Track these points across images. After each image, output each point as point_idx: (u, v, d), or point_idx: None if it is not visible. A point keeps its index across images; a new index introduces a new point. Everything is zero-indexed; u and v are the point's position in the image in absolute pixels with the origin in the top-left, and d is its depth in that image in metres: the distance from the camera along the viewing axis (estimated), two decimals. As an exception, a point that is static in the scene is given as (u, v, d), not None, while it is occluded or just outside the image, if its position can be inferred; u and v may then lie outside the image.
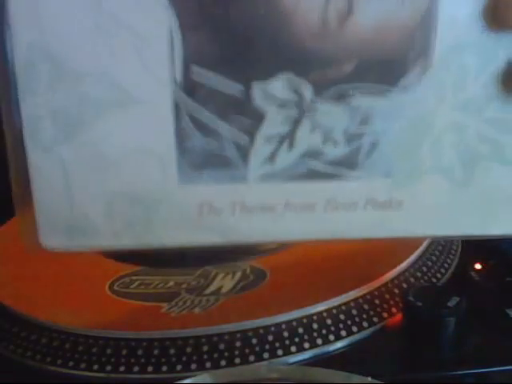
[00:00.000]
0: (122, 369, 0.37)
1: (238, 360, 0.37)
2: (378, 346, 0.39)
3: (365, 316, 0.40)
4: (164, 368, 0.37)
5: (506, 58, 0.27)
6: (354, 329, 0.39)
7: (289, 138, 0.28)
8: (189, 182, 0.28)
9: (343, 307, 0.41)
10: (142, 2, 0.26)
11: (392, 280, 0.43)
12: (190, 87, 0.27)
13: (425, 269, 0.45)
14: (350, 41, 0.26)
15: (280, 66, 0.26)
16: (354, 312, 0.40)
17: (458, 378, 0.37)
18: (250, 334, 0.39)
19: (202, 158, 0.28)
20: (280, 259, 0.45)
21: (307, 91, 0.27)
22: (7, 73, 0.26)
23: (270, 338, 0.38)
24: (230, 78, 0.26)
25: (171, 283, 0.44)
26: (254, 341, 0.38)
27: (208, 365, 0.37)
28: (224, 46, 0.26)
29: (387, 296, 0.42)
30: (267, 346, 0.38)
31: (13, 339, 0.40)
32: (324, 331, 0.39)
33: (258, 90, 0.27)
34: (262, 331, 0.39)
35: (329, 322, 0.40)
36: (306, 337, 0.38)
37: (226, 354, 0.37)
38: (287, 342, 0.38)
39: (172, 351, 0.38)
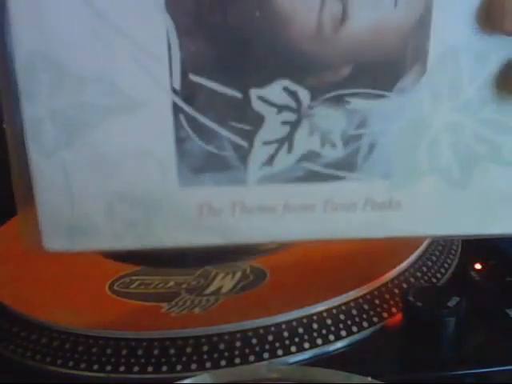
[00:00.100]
0: (121, 369, 0.37)
1: (237, 360, 0.37)
2: (378, 346, 0.39)
3: (365, 316, 0.40)
4: (164, 368, 0.37)
5: (500, 61, 0.27)
6: (354, 329, 0.39)
7: (287, 141, 0.28)
8: (189, 185, 0.28)
9: (343, 307, 0.41)
10: (139, 8, 0.26)
11: (392, 280, 0.43)
12: (188, 92, 0.27)
13: (425, 269, 0.45)
14: (345, 45, 0.26)
15: (277, 71, 0.27)
16: (354, 312, 0.40)
17: (458, 378, 0.37)
18: (249, 333, 0.39)
19: (202, 162, 0.28)
20: (280, 259, 0.45)
21: (304, 96, 0.27)
22: (9, 75, 0.27)
23: (270, 338, 0.38)
24: (227, 83, 0.27)
25: (171, 283, 0.44)
26: (254, 341, 0.38)
27: (208, 365, 0.37)
28: (221, 51, 0.26)
29: (387, 296, 0.42)
30: (267, 346, 0.38)
31: (13, 339, 0.40)
32: (324, 331, 0.39)
33: (255, 96, 0.27)
34: (261, 331, 0.39)
35: (329, 321, 0.40)
36: (306, 337, 0.38)
37: (226, 354, 0.37)
38: (287, 342, 0.38)
39: (172, 351, 0.38)
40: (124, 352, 0.38)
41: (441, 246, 0.48)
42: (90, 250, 0.30)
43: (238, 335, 0.38)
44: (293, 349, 0.38)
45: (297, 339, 0.38)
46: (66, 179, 0.28)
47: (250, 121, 0.27)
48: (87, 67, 0.27)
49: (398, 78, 0.27)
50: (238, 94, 0.27)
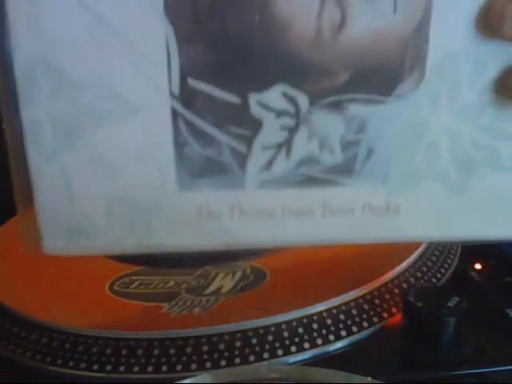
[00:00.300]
0: (121, 369, 0.37)
1: (237, 360, 0.37)
2: (378, 345, 0.39)
3: (365, 316, 0.40)
4: (164, 368, 0.37)
5: (499, 67, 0.27)
6: (354, 329, 0.39)
7: (286, 146, 0.28)
8: (188, 189, 0.28)
9: (343, 307, 0.41)
10: (139, 13, 0.26)
11: (392, 280, 0.43)
12: (187, 97, 0.27)
13: (425, 269, 0.45)
14: (344, 51, 0.26)
15: (276, 76, 0.27)
16: (354, 312, 0.40)
17: (458, 378, 0.37)
18: (249, 333, 0.39)
19: (201, 166, 0.28)
20: (280, 259, 0.45)
21: (303, 101, 0.27)
22: (8, 79, 0.27)
23: (270, 338, 0.38)
24: (226, 88, 0.27)
25: (171, 283, 0.44)
26: (254, 341, 0.38)
27: (208, 365, 0.37)
28: (220, 56, 0.26)
29: (387, 296, 0.42)
30: (267, 346, 0.38)
31: (13, 339, 0.40)
32: (324, 331, 0.39)
33: (254, 101, 0.27)
34: (261, 331, 0.39)
35: (329, 322, 0.40)
36: (306, 337, 0.38)
37: (226, 354, 0.37)
38: (287, 342, 0.38)
39: (172, 351, 0.38)
40: (124, 352, 0.38)
41: (441, 246, 0.48)
42: (89, 254, 0.30)
43: (238, 335, 0.38)
44: (293, 349, 0.38)
45: (297, 339, 0.38)
46: (65, 182, 0.28)
47: (248, 126, 0.28)
48: (86, 72, 0.27)
49: (396, 84, 0.27)
50: (237, 99, 0.27)
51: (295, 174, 0.28)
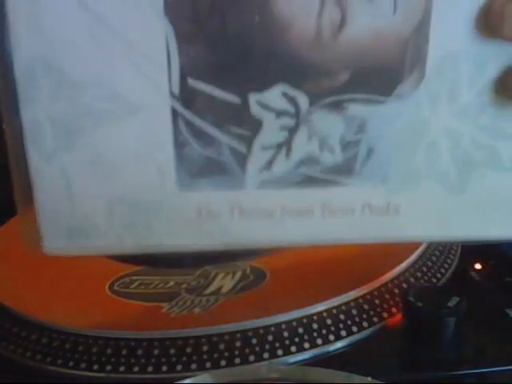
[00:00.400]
0: (121, 369, 0.37)
1: (237, 360, 0.37)
2: (377, 345, 0.39)
3: (365, 316, 0.40)
4: (164, 368, 0.37)
5: (499, 67, 0.27)
6: (354, 329, 0.39)
7: (286, 146, 0.28)
8: (187, 189, 0.28)
9: (343, 307, 0.41)
10: (139, 13, 0.26)
11: (392, 280, 0.43)
12: (187, 95, 0.27)
13: (425, 269, 0.45)
14: (344, 51, 0.26)
15: (276, 76, 0.27)
16: (354, 312, 0.40)
17: (458, 378, 0.37)
18: (249, 333, 0.39)
19: (201, 166, 0.28)
20: (280, 259, 0.45)
21: (303, 101, 0.27)
22: (8, 79, 0.27)
23: (270, 338, 0.38)
24: (226, 88, 0.27)
25: (171, 283, 0.44)
26: (254, 341, 0.38)
27: (208, 365, 0.37)
28: (220, 56, 0.26)
29: (387, 296, 0.42)
30: (267, 346, 0.38)
31: (13, 339, 0.40)
32: (324, 331, 0.39)
33: (254, 98, 0.27)
34: (261, 331, 0.39)
35: (329, 322, 0.40)
36: (306, 337, 0.38)
37: (226, 354, 0.37)
38: (287, 342, 0.38)
39: (172, 351, 0.38)
40: (124, 352, 0.38)
41: (441, 246, 0.48)
42: (89, 253, 0.30)
43: (238, 335, 0.38)
44: (293, 349, 0.38)
45: (297, 339, 0.38)
46: (65, 182, 0.28)
47: (248, 126, 0.28)
48: (86, 72, 0.27)
49: (396, 84, 0.27)
50: (237, 99, 0.27)
51: (295, 174, 0.28)
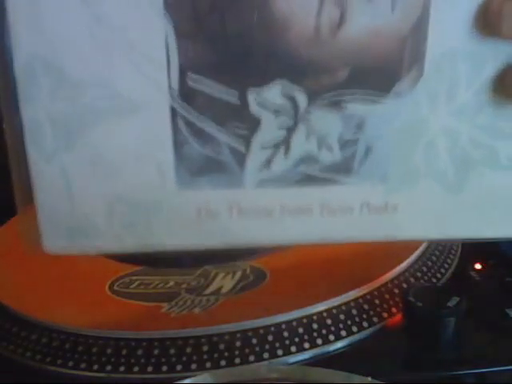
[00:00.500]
0: (121, 369, 0.37)
1: (237, 360, 0.37)
2: (377, 345, 0.39)
3: (365, 316, 0.40)
4: (164, 368, 0.37)
5: (497, 65, 0.27)
6: (354, 329, 0.39)
7: (284, 144, 0.28)
8: (187, 188, 0.28)
9: (343, 307, 0.41)
10: (138, 12, 0.26)
11: (392, 280, 0.43)
12: (186, 94, 0.27)
13: (425, 269, 0.45)
14: (343, 48, 0.26)
15: (275, 73, 0.27)
16: (354, 312, 0.40)
17: (458, 378, 0.37)
18: (249, 333, 0.39)
19: (200, 164, 0.28)
20: (280, 259, 0.45)
21: (302, 98, 0.27)
22: (8, 78, 0.27)
23: (270, 338, 0.38)
24: (225, 85, 0.27)
25: (171, 283, 0.44)
26: (254, 341, 0.38)
27: (208, 365, 0.37)
28: (219, 53, 0.26)
29: (387, 296, 0.42)
30: (267, 346, 0.38)
31: (13, 339, 0.40)
32: (324, 331, 0.39)
33: (253, 97, 0.27)
34: (261, 331, 0.39)
35: (329, 322, 0.40)
36: (306, 337, 0.39)
37: (226, 354, 0.37)
38: (287, 342, 0.38)
39: (172, 351, 0.38)
40: (124, 352, 0.38)
41: (441, 246, 0.48)
42: (89, 252, 0.30)
43: (238, 335, 0.38)
44: (293, 349, 0.38)
45: (297, 339, 0.38)
46: (65, 182, 0.28)
47: (247, 125, 0.28)
48: (86, 71, 0.27)
49: (394, 82, 0.27)
50: (236, 98, 0.27)
51: (294, 173, 0.28)
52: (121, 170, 0.28)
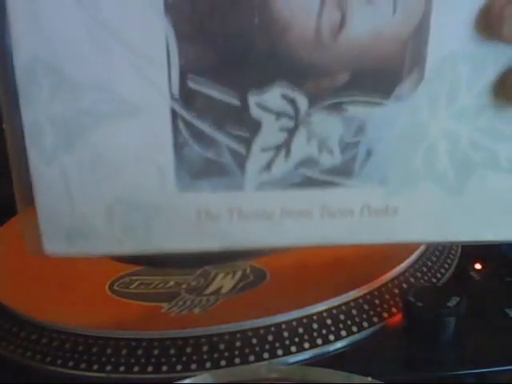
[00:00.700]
0: (121, 369, 0.37)
1: (237, 360, 0.37)
2: (377, 345, 0.39)
3: (365, 316, 0.40)
4: (164, 368, 0.37)
5: (498, 68, 0.27)
6: (354, 329, 0.39)
7: (285, 147, 0.28)
8: (187, 190, 0.28)
9: (343, 307, 0.41)
10: (139, 14, 0.26)
11: (392, 280, 0.43)
12: (186, 96, 0.27)
13: (425, 269, 0.45)
14: (343, 51, 0.26)
15: (275, 75, 0.27)
16: (354, 312, 0.40)
17: (458, 378, 0.37)
18: (249, 333, 0.39)
19: (200, 167, 0.28)
20: (280, 259, 0.45)
21: (302, 101, 0.27)
22: (9, 79, 0.27)
23: (270, 338, 0.38)
24: (225, 87, 0.27)
25: (171, 283, 0.44)
26: (254, 341, 0.38)
27: (208, 365, 0.37)
28: (220, 55, 0.26)
29: (387, 296, 0.42)
30: (267, 346, 0.38)
31: (13, 339, 0.40)
32: (324, 331, 0.39)
33: (253, 100, 0.27)
34: (262, 331, 0.39)
35: (329, 322, 0.40)
36: (305, 337, 0.39)
37: (226, 354, 0.37)
38: (287, 342, 0.38)
39: (172, 351, 0.38)
40: (124, 352, 0.38)
41: (441, 246, 0.48)
42: (89, 255, 0.30)
43: (238, 335, 0.38)
44: (293, 349, 0.38)
45: (297, 339, 0.38)
46: (65, 183, 0.28)
47: (248, 127, 0.27)
48: (86, 73, 0.27)
49: (395, 85, 0.27)
50: (237, 101, 0.27)
51: (294, 176, 0.28)
52: (121, 172, 0.28)
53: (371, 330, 0.40)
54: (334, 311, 0.40)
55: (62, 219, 0.29)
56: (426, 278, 0.44)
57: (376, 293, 0.42)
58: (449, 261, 0.46)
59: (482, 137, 0.28)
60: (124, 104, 0.27)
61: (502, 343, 0.39)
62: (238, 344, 0.38)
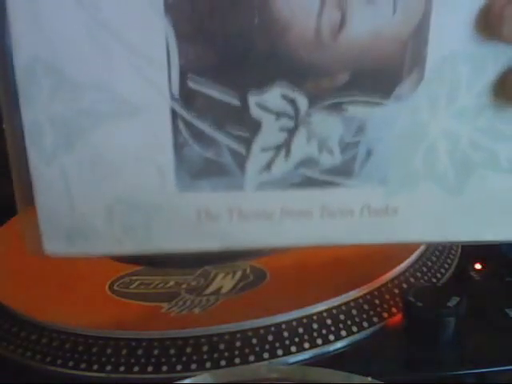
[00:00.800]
0: (121, 369, 0.37)
1: (237, 360, 0.37)
2: (378, 345, 0.39)
3: (365, 316, 0.40)
4: (164, 368, 0.37)
5: (498, 68, 0.27)
6: (354, 329, 0.39)
7: (285, 147, 0.28)
8: (187, 190, 0.28)
9: (343, 307, 0.41)
10: (139, 14, 0.26)
11: (392, 280, 0.43)
12: (186, 96, 0.27)
13: (425, 269, 0.45)
14: (343, 51, 0.26)
15: (275, 75, 0.27)
16: (354, 312, 0.40)
17: (458, 378, 0.37)
18: (249, 333, 0.39)
19: (200, 167, 0.28)
20: (280, 259, 0.45)
21: (302, 101, 0.27)
22: (9, 79, 0.27)
23: (270, 338, 0.38)
24: (226, 86, 0.27)
25: (171, 283, 0.44)
26: (254, 341, 0.38)
27: (208, 365, 0.37)
28: (220, 55, 0.26)
29: (387, 296, 0.42)
30: (267, 346, 0.38)
31: (13, 339, 0.40)
32: (324, 331, 0.39)
33: (253, 99, 0.27)
34: (262, 331, 0.39)
35: (329, 322, 0.40)
36: (305, 337, 0.39)
37: (226, 354, 0.37)
38: (287, 342, 0.38)
39: (172, 351, 0.38)
40: (124, 352, 0.38)
41: (441, 246, 0.48)
42: (89, 255, 0.30)
43: (238, 335, 0.38)
44: (293, 349, 0.38)
45: (297, 339, 0.38)
46: (65, 183, 0.28)
47: (248, 127, 0.27)
48: (86, 73, 0.27)
49: (395, 85, 0.27)
50: (237, 101, 0.27)
51: (294, 176, 0.28)
52: (121, 172, 0.28)
53: (371, 330, 0.40)
54: (334, 311, 0.40)
55: (62, 219, 0.29)
56: (426, 278, 0.44)
57: (376, 293, 0.42)
58: (449, 261, 0.46)
59: (482, 137, 0.28)
60: (124, 104, 0.27)
61: (502, 343, 0.39)
62: (238, 344, 0.38)
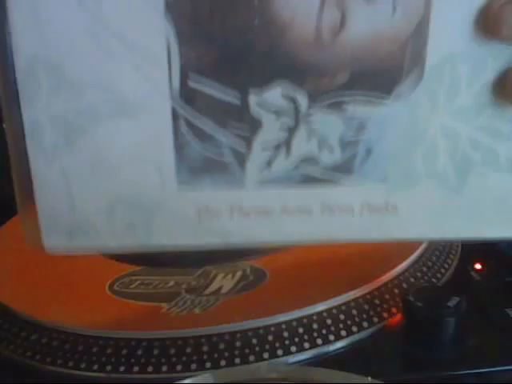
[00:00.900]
0: (121, 369, 0.37)
1: (237, 360, 0.37)
2: (378, 346, 0.39)
3: (365, 316, 0.40)
4: (164, 368, 0.37)
5: (497, 68, 0.27)
6: (354, 329, 0.39)
7: (285, 145, 0.28)
8: (187, 188, 0.29)
9: (343, 307, 0.41)
10: (139, 13, 0.26)
11: (392, 280, 0.43)
12: (187, 95, 0.27)
13: (425, 269, 0.45)
14: (344, 51, 0.26)
15: (275, 74, 0.27)
16: (354, 312, 0.40)
17: (458, 378, 0.37)
18: (249, 333, 0.39)
19: (200, 164, 0.28)
20: (280, 259, 0.45)
21: (303, 100, 0.27)
22: (9, 79, 0.27)
23: (270, 337, 0.38)
24: (226, 85, 0.27)
25: (171, 283, 0.44)
26: (254, 341, 0.38)
27: (208, 365, 0.37)
28: (220, 54, 0.26)
29: (387, 296, 0.42)
30: (267, 346, 0.38)
31: (13, 339, 0.40)
32: (324, 331, 0.39)
33: (254, 98, 0.27)
34: (261, 331, 0.39)
35: (329, 322, 0.40)
36: (305, 337, 0.39)
37: (226, 354, 0.37)
38: (287, 342, 0.38)
39: (172, 351, 0.38)
40: (124, 352, 0.38)
41: (441, 245, 0.48)
42: (90, 251, 0.31)
43: (238, 335, 0.38)
44: (293, 349, 0.38)
45: (297, 339, 0.38)
46: (65, 181, 0.28)
47: (248, 126, 0.28)
48: (87, 72, 0.27)
49: (395, 84, 0.27)
50: (237, 100, 0.27)
51: (294, 174, 0.28)
52: (121, 171, 0.28)
53: (371, 330, 0.40)
54: (334, 311, 0.40)
55: (62, 218, 0.29)
56: (426, 278, 0.44)
57: (376, 293, 0.42)
58: (449, 261, 0.46)
59: (482, 136, 0.28)
60: (124, 103, 0.27)
61: (502, 343, 0.39)
62: (237, 344, 0.38)
